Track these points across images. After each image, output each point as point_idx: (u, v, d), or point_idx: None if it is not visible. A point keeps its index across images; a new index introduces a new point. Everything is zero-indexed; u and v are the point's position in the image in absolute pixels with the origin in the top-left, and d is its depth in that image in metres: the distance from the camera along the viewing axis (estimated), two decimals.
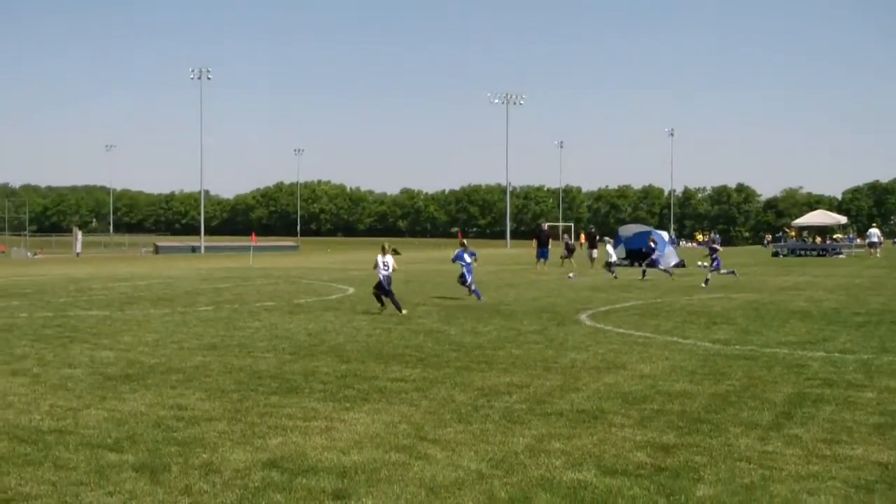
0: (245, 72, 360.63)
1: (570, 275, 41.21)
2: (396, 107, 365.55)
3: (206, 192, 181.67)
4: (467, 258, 27.34)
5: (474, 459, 8.29)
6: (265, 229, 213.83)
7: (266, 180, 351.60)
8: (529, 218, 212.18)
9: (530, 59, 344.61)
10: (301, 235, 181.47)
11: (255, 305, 25.63)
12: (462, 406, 10.72)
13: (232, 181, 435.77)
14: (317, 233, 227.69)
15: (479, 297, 26.53)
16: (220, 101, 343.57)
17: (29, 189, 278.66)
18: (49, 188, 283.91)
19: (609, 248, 42.90)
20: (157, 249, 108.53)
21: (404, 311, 22.48)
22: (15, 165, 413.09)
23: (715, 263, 34.48)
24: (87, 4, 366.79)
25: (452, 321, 20.70)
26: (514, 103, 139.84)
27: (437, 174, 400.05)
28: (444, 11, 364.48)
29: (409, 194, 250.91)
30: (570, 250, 53.71)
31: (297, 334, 18.36)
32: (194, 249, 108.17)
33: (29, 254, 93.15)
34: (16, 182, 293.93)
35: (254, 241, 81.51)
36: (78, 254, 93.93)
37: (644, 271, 37.92)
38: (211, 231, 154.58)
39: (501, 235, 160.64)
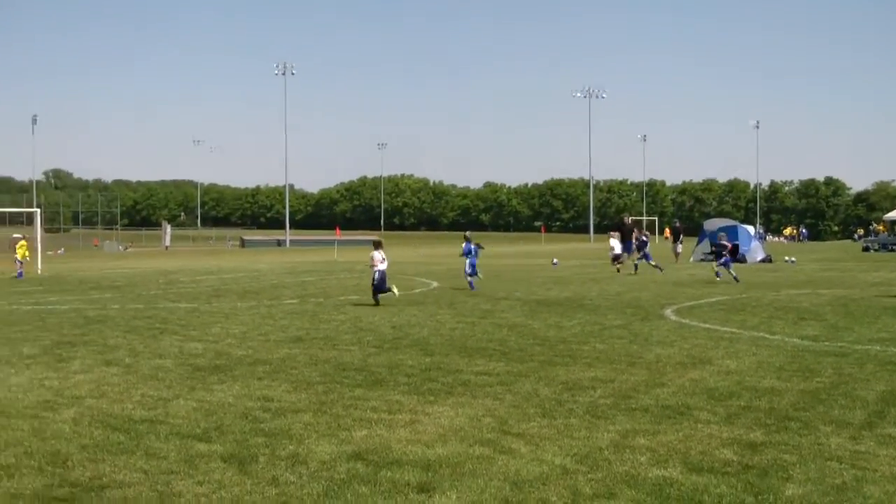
0: (329, 66, 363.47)
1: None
2: (480, 100, 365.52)
3: (291, 186, 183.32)
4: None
5: (558, 454, 8.27)
6: (349, 223, 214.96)
7: (350, 174, 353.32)
8: (613, 212, 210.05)
9: (612, 53, 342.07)
10: (384, 229, 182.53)
11: (339, 299, 25.86)
12: (546, 400, 10.70)
13: (316, 175, 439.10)
14: (400, 227, 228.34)
15: (471, 287, 27.53)
16: (305, 95, 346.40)
17: (120, 184, 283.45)
18: (139, 183, 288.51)
19: (612, 241, 43.49)
20: (242, 243, 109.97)
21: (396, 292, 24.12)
22: (107, 161, 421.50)
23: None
24: (174, 2, 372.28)
25: (536, 315, 20.66)
26: (597, 97, 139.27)
27: (521, 168, 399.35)
28: (525, 5, 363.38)
29: (492, 188, 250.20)
30: (640, 246, 52.70)
31: (382, 327, 18.48)
32: (279, 243, 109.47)
33: (120, 247, 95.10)
34: (108, 177, 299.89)
35: (338, 235, 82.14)
36: (167, 247, 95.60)
37: (636, 265, 38.54)
38: (296, 225, 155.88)
39: (585, 230, 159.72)
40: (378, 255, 24.35)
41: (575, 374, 12.54)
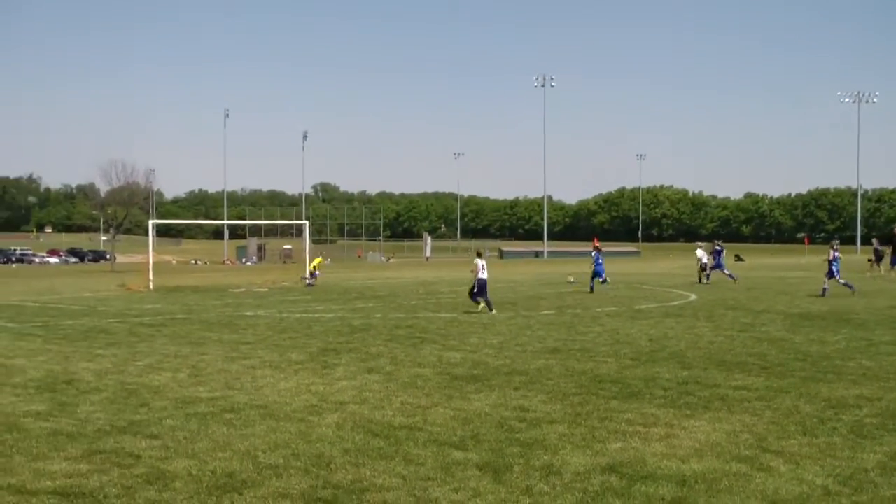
0: (585, 78, 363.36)
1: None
2: (741, 108, 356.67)
3: (549, 197, 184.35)
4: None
5: (820, 474, 7.96)
6: (607, 234, 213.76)
7: (608, 185, 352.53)
8: (882, 222, 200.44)
9: (882, 54, 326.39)
10: (642, 241, 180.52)
11: (596, 310, 25.78)
12: (807, 418, 10.31)
13: (574, 186, 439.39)
14: (658, 238, 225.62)
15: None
16: (564, 107, 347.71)
17: (384, 196, 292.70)
18: (402, 195, 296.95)
19: (699, 252, 42.66)
20: (501, 254, 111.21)
21: (494, 311, 24.99)
22: (373, 174, 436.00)
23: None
24: (437, 16, 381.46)
25: (798, 329, 19.95)
26: (867, 102, 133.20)
27: (783, 177, 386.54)
28: (794, 11, 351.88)
29: (753, 198, 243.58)
30: (878, 257, 50.58)
31: (639, 340, 18.30)
32: (537, 254, 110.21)
33: (383, 258, 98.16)
34: (372, 190, 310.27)
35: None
36: (427, 258, 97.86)
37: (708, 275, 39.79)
38: (553, 236, 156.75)
39: (851, 241, 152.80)
40: (480, 262, 26.15)
41: (839, 392, 12.02)
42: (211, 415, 10.66)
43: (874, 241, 54.36)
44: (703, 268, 41.35)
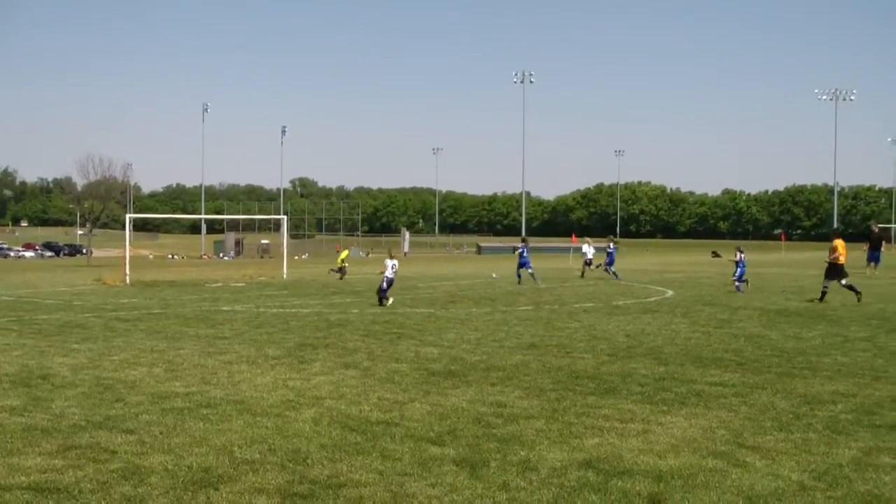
0: (565, 74, 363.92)
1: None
2: (719, 105, 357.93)
3: (528, 193, 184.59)
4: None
5: (795, 470, 8.00)
6: (585, 230, 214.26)
7: (586, 181, 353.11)
8: (858, 219, 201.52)
9: (859, 53, 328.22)
10: (620, 236, 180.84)
11: (574, 306, 25.83)
12: (783, 413, 10.37)
13: (552, 182, 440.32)
14: (636, 234, 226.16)
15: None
16: (543, 103, 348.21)
17: (362, 191, 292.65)
18: (380, 190, 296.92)
19: (585, 247, 44.72)
20: (479, 249, 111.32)
21: (385, 303, 26.20)
22: (350, 169, 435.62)
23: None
24: (417, 12, 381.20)
25: (774, 326, 20.04)
26: (844, 100, 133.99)
27: (760, 174, 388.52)
28: (774, 8, 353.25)
29: (730, 195, 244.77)
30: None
31: (616, 335, 18.35)
32: (515, 250, 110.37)
33: (362, 253, 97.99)
34: (350, 185, 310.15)
35: (574, 242, 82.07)
36: (405, 253, 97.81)
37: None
38: (532, 232, 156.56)
39: (827, 238, 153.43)
40: (390, 262, 27.05)
41: (814, 388, 12.09)
42: (187, 410, 10.62)
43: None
44: (587, 262, 43.31)
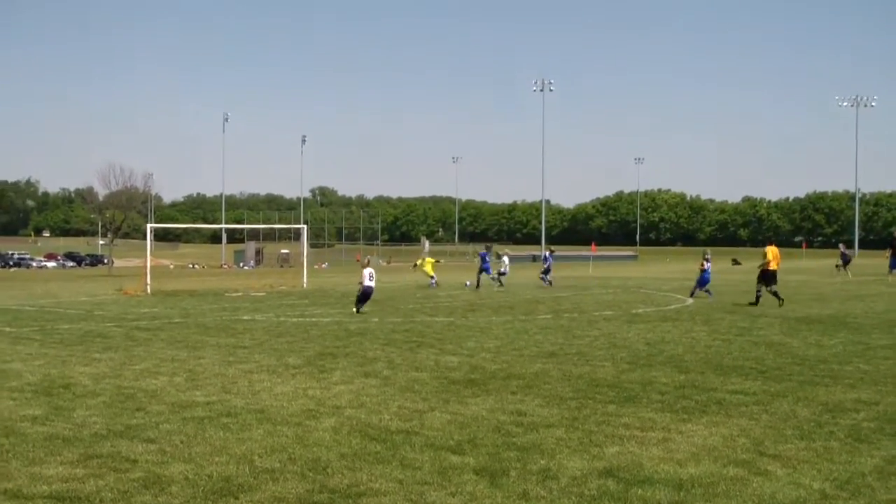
0: (584, 82, 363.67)
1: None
2: (739, 112, 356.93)
3: (548, 201, 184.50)
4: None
5: (817, 478, 7.95)
6: (604, 238, 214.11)
7: (606, 189, 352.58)
8: (880, 226, 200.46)
9: (880, 60, 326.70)
10: (640, 245, 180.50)
11: (593, 314, 25.78)
12: (805, 422, 10.31)
13: (572, 190, 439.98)
14: (656, 242, 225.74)
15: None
16: (562, 111, 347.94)
17: (381, 200, 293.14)
18: (400, 199, 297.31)
19: (505, 259, 45.57)
20: (499, 257, 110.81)
21: (356, 310, 26.65)
22: (369, 178, 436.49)
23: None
24: (436, 20, 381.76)
25: (795, 333, 19.95)
26: (865, 106, 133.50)
27: (781, 181, 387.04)
28: (793, 15, 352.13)
29: (750, 202, 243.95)
30: (845, 261, 52.74)
31: (636, 343, 18.30)
32: (535, 258, 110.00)
33: (382, 262, 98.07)
34: (370, 194, 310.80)
35: (593, 250, 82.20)
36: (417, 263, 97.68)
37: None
38: (551, 240, 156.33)
39: (849, 245, 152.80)
40: (367, 272, 27.39)
41: (836, 396, 12.02)
42: (208, 419, 10.65)
43: (841, 245, 58.03)
44: (500, 272, 43.35)
